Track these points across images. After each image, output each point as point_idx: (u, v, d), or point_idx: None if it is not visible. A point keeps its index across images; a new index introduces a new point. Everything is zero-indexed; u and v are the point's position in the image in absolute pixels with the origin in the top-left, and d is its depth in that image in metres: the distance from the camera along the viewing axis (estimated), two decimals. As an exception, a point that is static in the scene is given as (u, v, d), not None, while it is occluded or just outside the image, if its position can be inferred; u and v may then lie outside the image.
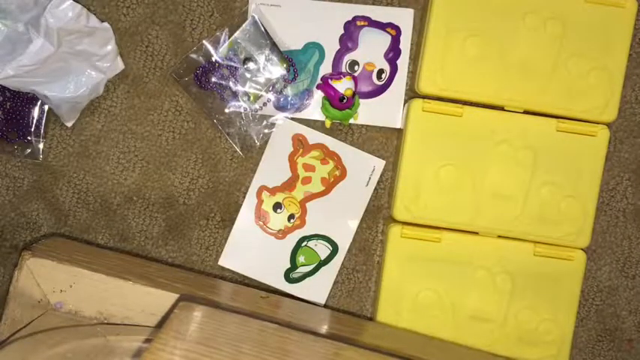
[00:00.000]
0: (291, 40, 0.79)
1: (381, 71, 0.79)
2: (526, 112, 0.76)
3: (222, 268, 0.81)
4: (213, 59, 0.77)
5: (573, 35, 0.75)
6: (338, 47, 0.79)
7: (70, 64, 0.72)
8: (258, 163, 0.80)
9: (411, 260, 0.77)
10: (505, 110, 0.76)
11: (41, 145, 0.79)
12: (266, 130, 0.80)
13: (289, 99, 0.79)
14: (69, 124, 0.78)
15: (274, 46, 0.77)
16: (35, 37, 0.66)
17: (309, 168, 0.80)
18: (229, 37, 0.77)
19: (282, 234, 0.80)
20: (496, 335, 0.77)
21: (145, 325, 0.68)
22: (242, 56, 0.77)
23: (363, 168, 0.81)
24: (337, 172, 0.80)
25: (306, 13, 0.79)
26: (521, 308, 0.77)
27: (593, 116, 0.76)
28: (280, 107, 0.79)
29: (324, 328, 0.72)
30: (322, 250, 0.81)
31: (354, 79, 0.77)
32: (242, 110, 0.79)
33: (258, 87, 0.78)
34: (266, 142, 0.80)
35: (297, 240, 0.80)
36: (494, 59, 0.75)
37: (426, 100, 0.75)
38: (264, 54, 0.77)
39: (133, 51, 0.79)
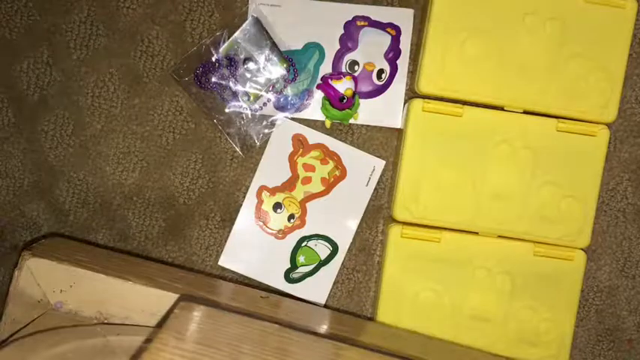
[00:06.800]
0: (291, 40, 0.79)
1: (381, 71, 0.79)
2: (526, 112, 0.76)
3: (222, 268, 0.81)
4: (213, 59, 0.77)
5: (573, 35, 0.75)
6: (338, 47, 0.79)
7: None
8: (258, 163, 0.80)
9: (411, 260, 0.76)
10: (505, 110, 0.76)
11: None
12: (266, 130, 0.80)
13: (289, 99, 0.79)
14: None
15: (274, 46, 0.77)
16: None
17: (309, 168, 0.80)
18: (229, 37, 0.77)
19: (282, 234, 0.80)
20: (496, 335, 0.77)
21: (145, 325, 0.68)
22: (242, 56, 0.77)
23: (363, 168, 0.80)
24: (337, 172, 0.80)
25: (306, 13, 0.79)
26: (521, 308, 0.77)
27: (593, 116, 0.76)
28: (280, 107, 0.79)
29: (324, 328, 0.72)
30: (322, 250, 0.81)
31: (354, 79, 0.77)
32: (242, 110, 0.79)
33: (258, 87, 0.78)
34: (266, 142, 0.80)
35: (297, 240, 0.80)
36: (494, 59, 0.75)
37: (426, 100, 0.75)
38: (264, 54, 0.77)
39: (133, 51, 0.79)
